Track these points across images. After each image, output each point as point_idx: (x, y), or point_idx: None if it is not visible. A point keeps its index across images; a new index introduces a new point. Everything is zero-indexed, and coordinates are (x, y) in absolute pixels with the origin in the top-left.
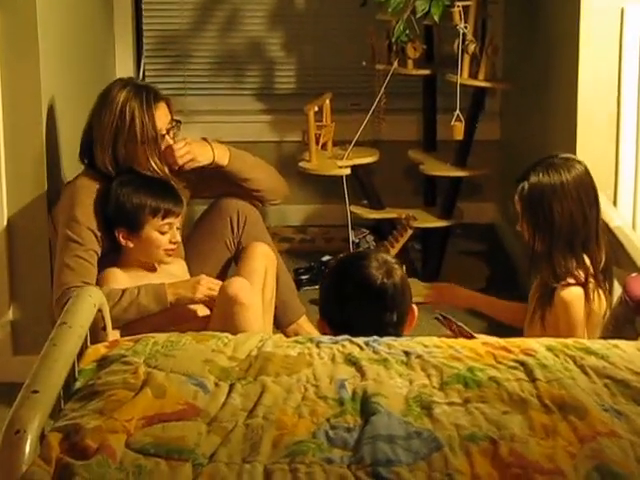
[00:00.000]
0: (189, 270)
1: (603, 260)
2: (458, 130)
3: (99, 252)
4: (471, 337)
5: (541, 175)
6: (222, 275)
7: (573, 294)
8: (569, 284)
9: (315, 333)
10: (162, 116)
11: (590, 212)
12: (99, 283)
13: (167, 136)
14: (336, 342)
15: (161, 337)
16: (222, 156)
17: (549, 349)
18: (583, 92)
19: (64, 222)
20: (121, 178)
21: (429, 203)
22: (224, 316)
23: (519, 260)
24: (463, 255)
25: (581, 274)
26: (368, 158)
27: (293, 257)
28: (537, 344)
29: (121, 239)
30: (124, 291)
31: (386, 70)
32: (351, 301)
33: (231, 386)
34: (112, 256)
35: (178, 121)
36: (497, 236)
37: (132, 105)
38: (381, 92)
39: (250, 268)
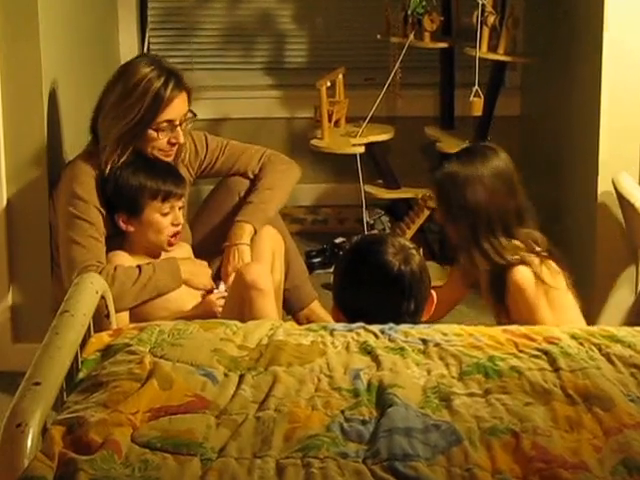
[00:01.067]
0: (199, 250)
1: (543, 245)
2: (477, 106)
3: (106, 232)
4: None
5: (455, 164)
6: None
7: (520, 273)
8: (513, 264)
9: (328, 318)
10: (179, 106)
11: (507, 201)
12: None
13: (179, 128)
14: (350, 330)
15: (167, 325)
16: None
17: (573, 337)
18: (607, 67)
19: (67, 200)
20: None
21: None
22: (240, 301)
23: None
24: None
25: (520, 256)
26: (383, 135)
27: (305, 239)
28: (561, 332)
29: (121, 223)
30: (140, 268)
31: (401, 43)
32: (366, 289)
33: (241, 377)
34: (116, 240)
35: (194, 114)
36: None
37: (153, 84)
38: (396, 66)
39: (257, 251)
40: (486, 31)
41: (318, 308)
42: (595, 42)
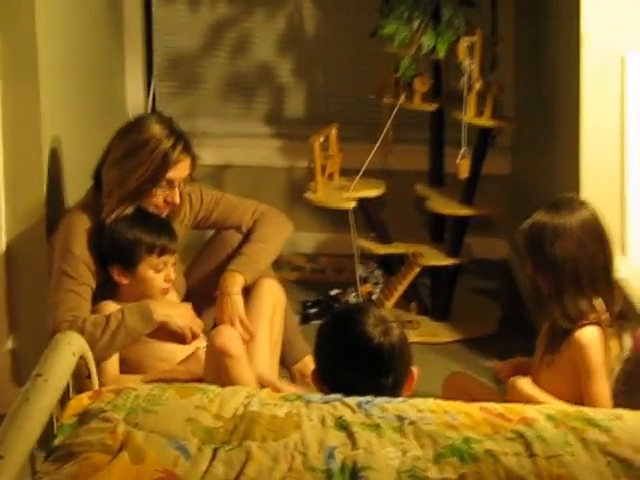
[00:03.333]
0: (192, 299)
1: (618, 306)
2: (464, 168)
3: (93, 286)
4: None
5: (543, 215)
6: None
7: (591, 335)
8: (584, 324)
9: None
10: (183, 169)
11: (596, 254)
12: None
13: (176, 188)
14: (327, 402)
15: (144, 389)
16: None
17: (549, 418)
18: (586, 139)
19: (60, 255)
20: None
21: (437, 239)
22: (217, 368)
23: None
24: (474, 293)
25: (595, 317)
26: (374, 191)
27: (303, 288)
28: (537, 412)
29: (115, 276)
30: (108, 316)
31: (393, 103)
32: (345, 360)
33: (215, 451)
34: (108, 290)
35: (193, 178)
36: (509, 273)
37: (162, 144)
38: (387, 125)
39: (258, 305)
40: (472, 97)
41: (311, 362)
42: (573, 114)
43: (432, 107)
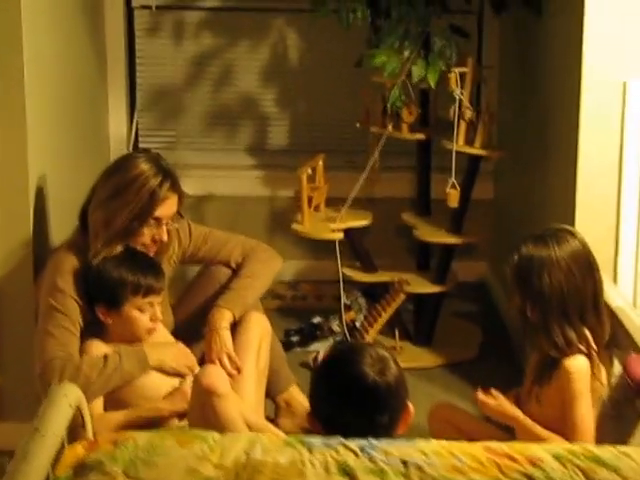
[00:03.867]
0: (181, 334)
1: (606, 335)
2: (453, 198)
3: (82, 323)
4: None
5: (531, 247)
6: None
7: (579, 364)
8: (572, 352)
9: (306, 403)
10: (170, 206)
11: (584, 284)
12: (81, 354)
13: (164, 226)
14: (329, 446)
15: (142, 438)
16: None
17: (556, 458)
18: (583, 167)
19: (47, 291)
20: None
21: (422, 267)
22: (201, 406)
23: (511, 321)
24: (455, 317)
25: (583, 347)
26: (361, 221)
27: (285, 315)
28: (543, 451)
29: (100, 315)
30: (106, 358)
31: (380, 133)
32: (340, 399)
33: None
34: (95, 328)
35: (181, 215)
36: (488, 295)
37: (149, 181)
38: (374, 155)
39: (245, 338)
40: (463, 125)
41: (297, 393)
42: (570, 142)
43: (420, 136)
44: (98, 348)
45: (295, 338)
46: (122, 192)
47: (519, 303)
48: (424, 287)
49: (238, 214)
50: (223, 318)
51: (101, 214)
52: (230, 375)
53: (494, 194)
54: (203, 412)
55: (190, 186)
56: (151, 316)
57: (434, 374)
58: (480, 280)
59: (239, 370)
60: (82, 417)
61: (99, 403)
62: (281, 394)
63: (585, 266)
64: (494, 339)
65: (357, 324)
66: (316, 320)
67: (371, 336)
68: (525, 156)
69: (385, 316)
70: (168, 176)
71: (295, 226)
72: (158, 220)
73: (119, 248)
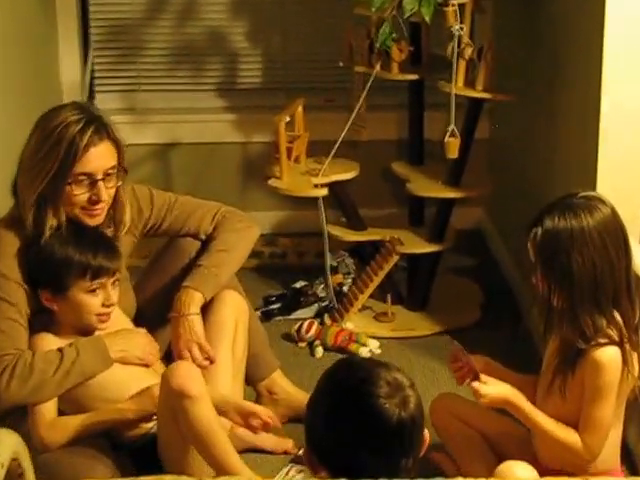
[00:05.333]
0: (144, 319)
1: (637, 317)
2: (452, 147)
3: (29, 311)
4: (476, 373)
5: (557, 219)
6: None
7: (609, 355)
8: (602, 344)
9: (290, 389)
10: (100, 157)
11: (618, 260)
12: (30, 349)
13: (101, 182)
14: None
15: None
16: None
17: None
18: (607, 109)
19: None
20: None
21: (416, 222)
22: (171, 409)
23: (511, 275)
24: (451, 273)
25: (614, 333)
26: (347, 174)
27: (263, 276)
28: None
29: (45, 301)
30: (62, 352)
31: (366, 73)
32: (354, 440)
33: None
34: (43, 317)
35: (125, 170)
36: (486, 244)
37: (69, 129)
38: (361, 99)
39: (218, 322)
40: (462, 64)
41: (280, 378)
42: (588, 84)
43: (412, 77)
44: (49, 342)
45: (276, 306)
46: (41, 147)
47: (542, 286)
48: (419, 247)
49: (207, 163)
50: (192, 301)
51: (25, 178)
52: (202, 367)
53: (490, 134)
54: (174, 415)
55: (153, 133)
56: (104, 300)
57: (431, 343)
58: (476, 227)
59: (212, 360)
60: (20, 466)
61: (52, 406)
62: (262, 381)
63: (619, 240)
64: (495, 298)
65: (345, 288)
66: (299, 285)
67: (361, 303)
68: (529, 94)
69: (376, 280)
70: (93, 120)
71: (273, 182)
72: (90, 176)
73: (54, 220)
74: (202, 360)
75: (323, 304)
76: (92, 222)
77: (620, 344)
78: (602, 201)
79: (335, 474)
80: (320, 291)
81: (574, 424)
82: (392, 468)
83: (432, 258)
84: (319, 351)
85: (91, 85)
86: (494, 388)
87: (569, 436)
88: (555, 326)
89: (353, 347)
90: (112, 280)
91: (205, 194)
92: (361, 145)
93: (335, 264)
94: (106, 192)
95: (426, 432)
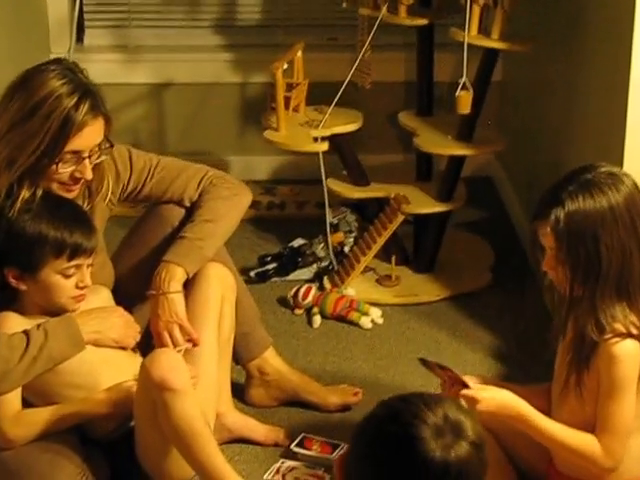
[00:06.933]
0: (123, 294)
1: None
2: (464, 102)
3: None
4: (462, 381)
5: (582, 199)
6: None
7: (627, 348)
8: (620, 334)
9: (283, 369)
10: (92, 135)
11: None
12: None
13: (87, 160)
14: None
15: None
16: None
17: None
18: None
19: None
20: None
21: (424, 177)
22: (151, 404)
23: (523, 229)
24: (461, 228)
25: (634, 323)
26: (349, 125)
27: (260, 230)
28: None
29: (11, 279)
30: (28, 336)
31: (372, 16)
32: None
33: None
34: (8, 293)
35: (111, 144)
36: (496, 193)
37: (62, 103)
38: (366, 45)
39: (202, 298)
40: (476, 10)
41: (272, 357)
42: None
43: (421, 22)
44: (14, 323)
45: (271, 266)
46: (26, 120)
47: (563, 274)
48: (426, 206)
49: (203, 105)
50: (173, 278)
51: (2, 151)
52: (185, 351)
53: (502, 76)
54: (153, 410)
55: (146, 72)
56: (78, 282)
57: (438, 310)
58: (486, 174)
59: (195, 343)
60: None
61: (16, 397)
62: (253, 361)
63: None
64: (508, 256)
65: (346, 249)
66: (297, 244)
67: (363, 266)
68: (548, 37)
69: (380, 242)
70: (88, 94)
71: (269, 134)
72: (77, 153)
73: (28, 192)
74: (184, 343)
75: (322, 265)
76: (68, 196)
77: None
78: (625, 174)
79: None
80: (319, 251)
81: (594, 429)
82: None
83: (440, 217)
84: (317, 320)
85: (80, 20)
86: (490, 393)
87: (586, 442)
88: (569, 319)
89: (354, 316)
90: (88, 261)
91: (200, 138)
92: (366, 89)
93: (336, 221)
94: (90, 170)
95: None
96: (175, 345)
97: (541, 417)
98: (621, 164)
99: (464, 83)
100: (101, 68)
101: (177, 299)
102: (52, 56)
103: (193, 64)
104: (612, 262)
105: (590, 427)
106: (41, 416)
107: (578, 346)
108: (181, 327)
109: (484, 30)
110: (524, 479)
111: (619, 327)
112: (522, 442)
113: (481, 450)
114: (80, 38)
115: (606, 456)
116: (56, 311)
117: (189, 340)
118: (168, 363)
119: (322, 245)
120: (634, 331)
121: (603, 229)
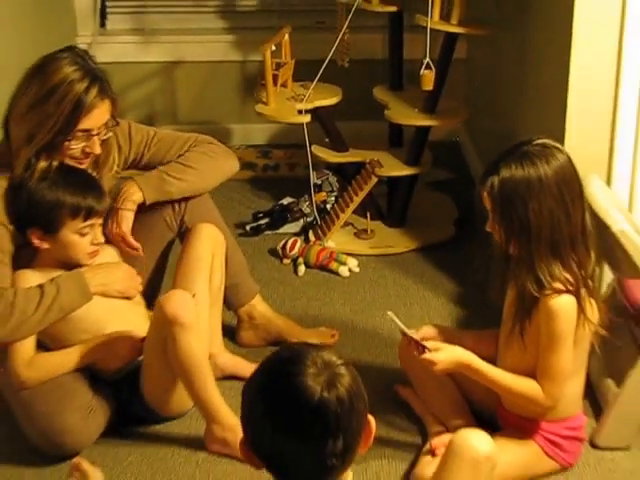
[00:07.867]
0: (123, 253)
1: (592, 263)
2: (427, 80)
3: (12, 250)
4: (421, 344)
5: (514, 168)
6: (163, 259)
7: (563, 302)
8: (557, 291)
9: (269, 314)
10: (100, 115)
11: (574, 209)
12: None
13: (96, 137)
14: None
15: None
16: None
17: None
18: (579, 46)
19: None
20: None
21: (396, 143)
22: (162, 336)
23: None
24: (429, 188)
25: (570, 280)
26: (330, 99)
27: (255, 188)
28: None
29: (34, 240)
30: (42, 289)
31: (349, 4)
32: (278, 424)
33: None
34: (25, 251)
35: (116, 122)
36: (461, 156)
37: (74, 88)
38: (343, 29)
39: (194, 255)
40: None
41: (259, 304)
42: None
43: (391, 9)
44: (30, 278)
45: (264, 221)
46: (43, 102)
47: (500, 235)
48: (397, 169)
49: (209, 80)
50: (130, 197)
51: (22, 129)
52: (128, 255)
53: (466, 54)
54: (163, 345)
55: (160, 51)
56: (92, 240)
57: (407, 260)
58: (452, 139)
59: (138, 250)
60: None
61: (31, 343)
62: (243, 307)
63: (575, 188)
64: (469, 212)
65: (328, 206)
66: (286, 201)
67: (342, 221)
68: (502, 21)
69: (357, 200)
70: (97, 79)
71: (259, 107)
72: (88, 132)
73: (45, 163)
74: (127, 249)
75: (308, 220)
76: (79, 167)
77: (576, 291)
78: (558, 149)
79: (267, 462)
80: (305, 208)
81: (534, 374)
82: (318, 453)
83: (410, 179)
84: (301, 269)
85: (102, 7)
86: (445, 353)
87: (529, 387)
88: (512, 274)
89: (334, 265)
90: (100, 221)
91: (206, 109)
92: (345, 66)
93: (319, 182)
94: (99, 145)
95: (371, 420)
96: (121, 252)
97: (489, 367)
98: (563, 132)
99: (427, 63)
100: (121, 49)
101: (125, 216)
102: (78, 39)
103: (201, 44)
104: (541, 226)
105: (530, 370)
106: (53, 360)
107: (521, 300)
108: (123, 239)
109: (446, 15)
110: (479, 417)
111: (557, 284)
112: (476, 387)
113: (355, 397)
114: (103, 23)
115: (546, 398)
116: (73, 265)
117: (133, 249)
118: (180, 301)
119: (307, 203)
120: (570, 287)
121: (530, 196)
